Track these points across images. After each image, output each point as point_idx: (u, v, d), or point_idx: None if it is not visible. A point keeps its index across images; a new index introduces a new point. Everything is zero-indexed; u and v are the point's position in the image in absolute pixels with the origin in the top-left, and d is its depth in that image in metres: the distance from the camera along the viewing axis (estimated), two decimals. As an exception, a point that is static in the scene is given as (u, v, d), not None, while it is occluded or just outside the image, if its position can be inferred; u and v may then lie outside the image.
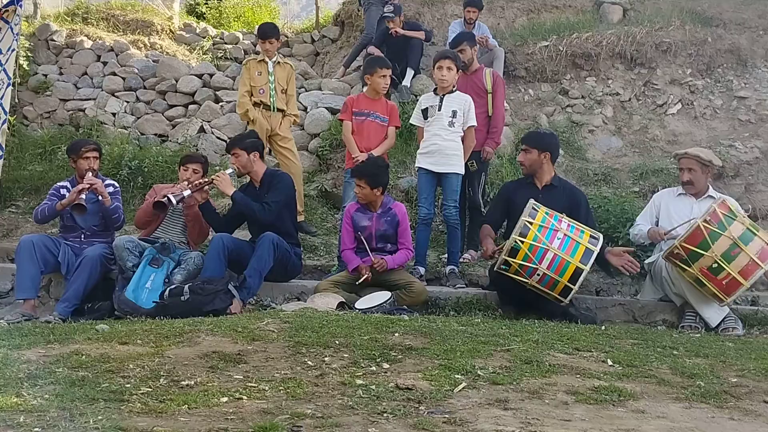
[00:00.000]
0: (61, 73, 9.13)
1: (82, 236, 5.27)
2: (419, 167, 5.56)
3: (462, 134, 5.52)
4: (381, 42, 7.90)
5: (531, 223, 4.51)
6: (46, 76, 9.00)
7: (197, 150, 7.80)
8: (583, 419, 2.37)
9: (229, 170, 5.29)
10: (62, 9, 10.72)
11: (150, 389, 2.55)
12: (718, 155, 6.18)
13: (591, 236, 4.55)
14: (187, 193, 5.04)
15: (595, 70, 8.42)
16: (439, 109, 5.48)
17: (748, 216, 5.07)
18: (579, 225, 4.63)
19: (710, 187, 5.23)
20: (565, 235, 4.50)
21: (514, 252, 4.49)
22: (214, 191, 5.81)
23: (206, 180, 5.19)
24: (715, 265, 4.43)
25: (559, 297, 4.52)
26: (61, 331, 3.72)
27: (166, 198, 4.93)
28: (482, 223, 5.25)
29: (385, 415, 2.33)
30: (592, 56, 8.37)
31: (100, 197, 5.17)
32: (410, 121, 6.04)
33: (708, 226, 4.44)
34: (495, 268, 4.73)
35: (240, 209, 5.17)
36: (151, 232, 5.33)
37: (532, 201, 4.67)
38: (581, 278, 4.43)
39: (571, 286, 4.43)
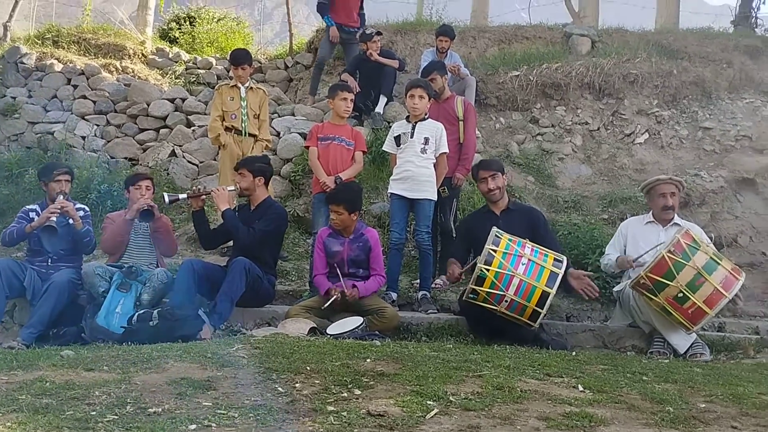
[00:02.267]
0: (30, 96, 9.04)
1: (49, 261, 5.18)
2: (392, 193, 5.59)
3: (434, 161, 5.57)
4: (354, 69, 7.95)
5: (495, 251, 4.55)
6: (14, 98, 8.90)
7: (168, 174, 7.75)
8: (554, 445, 2.37)
9: (231, 187, 5.33)
10: (32, 32, 10.64)
11: (116, 417, 2.50)
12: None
13: (555, 259, 4.61)
14: (183, 196, 5.20)
15: (564, 100, 8.58)
16: (412, 137, 5.53)
17: (713, 243, 5.17)
18: (542, 249, 4.68)
19: (676, 215, 5.32)
20: (529, 260, 4.55)
21: (480, 280, 4.53)
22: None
23: (205, 190, 5.30)
24: (680, 295, 4.48)
25: (528, 321, 4.55)
26: (24, 357, 3.64)
27: (161, 196, 5.11)
28: (445, 261, 5.27)
29: (356, 441, 2.31)
30: (562, 86, 8.53)
31: (71, 220, 5.11)
32: (383, 148, 6.08)
33: (672, 256, 4.50)
34: (463, 298, 4.75)
35: (226, 227, 5.18)
36: (119, 258, 5.27)
37: (495, 229, 4.72)
38: (548, 301, 4.48)
39: (540, 310, 4.47)
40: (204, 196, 5.26)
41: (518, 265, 4.53)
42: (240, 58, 6.58)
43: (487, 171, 5.24)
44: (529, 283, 4.47)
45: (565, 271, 4.61)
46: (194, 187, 5.38)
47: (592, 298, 4.93)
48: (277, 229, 5.31)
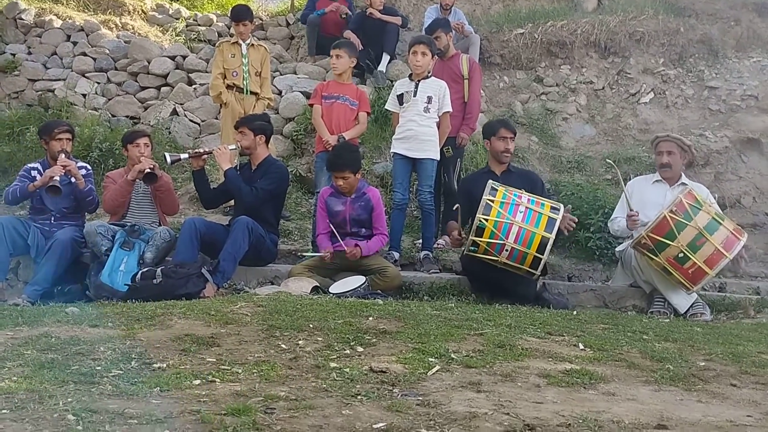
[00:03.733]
0: (29, 53, 8.92)
1: (52, 218, 5.19)
2: (394, 153, 5.56)
3: (437, 120, 5.53)
4: (357, 27, 7.84)
5: (492, 201, 4.56)
6: (14, 55, 8.79)
7: (170, 133, 7.71)
8: (554, 401, 2.40)
9: (232, 146, 5.31)
10: (31, -13, 10.47)
11: (121, 372, 2.53)
12: (689, 144, 6.26)
13: (552, 207, 4.62)
14: (184, 156, 5.20)
15: (569, 59, 8.47)
16: (415, 95, 5.48)
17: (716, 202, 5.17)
18: (539, 198, 4.71)
19: (683, 174, 5.30)
20: (527, 208, 4.56)
21: (480, 231, 4.54)
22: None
23: (207, 150, 5.31)
24: (681, 255, 4.50)
25: (530, 269, 4.56)
26: (29, 313, 3.67)
27: (163, 156, 5.10)
28: (448, 221, 5.27)
29: (359, 397, 2.33)
30: (567, 44, 8.42)
31: (73, 179, 5.10)
32: (385, 107, 6.04)
33: (674, 216, 4.50)
34: (464, 252, 4.76)
35: (229, 186, 5.17)
36: (122, 217, 5.26)
37: (491, 181, 4.73)
38: (548, 247, 4.48)
39: (540, 256, 4.48)
40: (206, 156, 5.24)
41: (516, 213, 4.54)
42: (241, 13, 6.48)
43: (510, 132, 5.18)
44: (528, 229, 4.48)
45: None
46: (196, 149, 5.37)
47: (570, 229, 4.87)
48: (278, 188, 5.30)
